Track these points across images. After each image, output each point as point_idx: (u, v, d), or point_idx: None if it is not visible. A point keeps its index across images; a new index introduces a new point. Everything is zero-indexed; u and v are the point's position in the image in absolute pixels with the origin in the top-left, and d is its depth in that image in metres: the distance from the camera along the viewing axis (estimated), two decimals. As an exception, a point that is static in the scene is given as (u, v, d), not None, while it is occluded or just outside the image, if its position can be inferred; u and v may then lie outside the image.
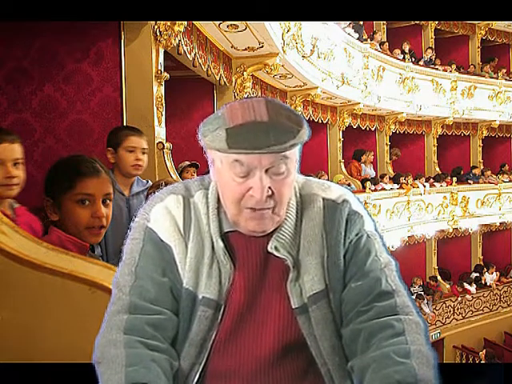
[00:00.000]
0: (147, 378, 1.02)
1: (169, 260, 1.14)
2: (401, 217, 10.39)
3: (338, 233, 1.14)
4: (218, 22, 4.88)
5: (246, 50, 5.81)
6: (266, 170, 1.05)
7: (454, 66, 11.93)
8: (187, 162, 4.46)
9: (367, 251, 1.15)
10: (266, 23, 5.04)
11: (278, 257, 1.13)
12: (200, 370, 1.14)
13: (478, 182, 12.06)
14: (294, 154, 1.09)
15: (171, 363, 1.10)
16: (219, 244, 1.12)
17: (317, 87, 7.99)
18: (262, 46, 5.69)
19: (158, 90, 3.88)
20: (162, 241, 1.14)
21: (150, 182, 3.01)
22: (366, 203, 8.96)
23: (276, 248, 1.12)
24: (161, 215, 1.15)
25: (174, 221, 1.15)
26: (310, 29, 6.98)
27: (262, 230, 1.10)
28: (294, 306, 1.12)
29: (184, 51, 4.50)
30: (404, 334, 1.06)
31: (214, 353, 1.14)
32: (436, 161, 12.33)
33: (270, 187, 1.06)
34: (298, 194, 1.18)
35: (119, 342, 1.06)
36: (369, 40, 10.32)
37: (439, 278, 12.08)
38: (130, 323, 1.08)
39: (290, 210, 1.15)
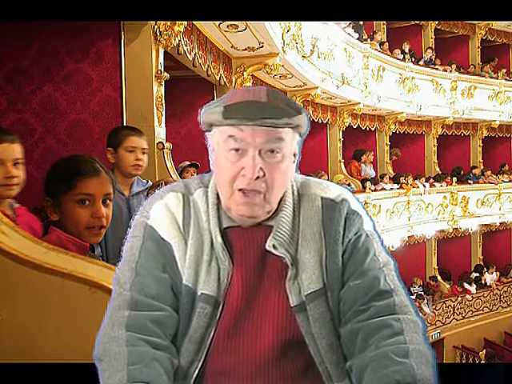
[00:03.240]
0: (149, 377, 1.02)
1: (169, 257, 1.14)
2: (401, 217, 10.39)
3: (336, 232, 1.15)
4: (217, 22, 4.88)
5: (246, 50, 5.81)
6: (260, 152, 1.07)
7: (454, 66, 11.93)
8: (187, 162, 4.46)
9: (366, 250, 1.15)
10: (266, 23, 5.05)
11: (276, 255, 1.13)
12: (199, 366, 1.15)
13: (478, 182, 12.06)
14: (290, 139, 1.11)
15: (172, 361, 1.10)
16: (218, 240, 1.13)
17: (317, 87, 7.99)
18: (262, 46, 5.69)
19: (158, 90, 3.88)
20: (162, 238, 1.15)
21: (149, 182, 3.01)
22: (366, 203, 8.96)
23: (274, 246, 1.13)
24: (161, 213, 1.16)
25: (174, 218, 1.15)
26: (310, 29, 6.98)
27: (251, 214, 1.11)
28: (292, 304, 1.13)
29: (184, 51, 4.51)
30: (402, 333, 1.07)
31: (213, 350, 1.14)
32: (436, 161, 12.34)
33: (262, 168, 1.07)
34: (296, 193, 1.19)
35: (121, 339, 1.06)
36: (369, 40, 10.32)
37: (439, 278, 12.08)
38: (132, 320, 1.08)
39: (288, 208, 1.15)
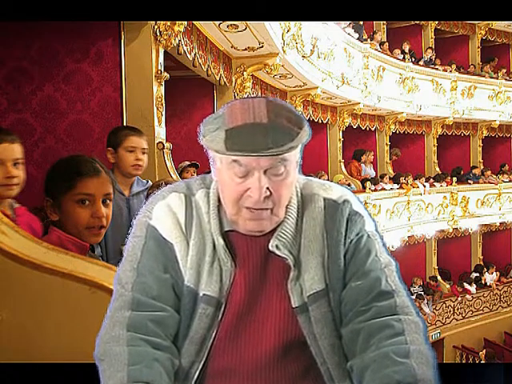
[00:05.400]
0: (150, 377, 1.02)
1: (170, 257, 1.14)
2: (401, 217, 10.39)
3: (338, 232, 1.15)
4: (217, 22, 4.88)
5: (246, 50, 5.81)
6: (265, 171, 1.06)
7: (454, 66, 11.93)
8: (187, 162, 4.47)
9: (367, 251, 1.15)
10: (266, 23, 5.05)
11: (278, 256, 1.13)
12: (200, 367, 1.14)
13: (478, 182, 12.06)
14: (294, 155, 1.09)
15: (173, 362, 1.10)
16: (220, 242, 1.13)
17: (317, 87, 7.99)
18: (262, 46, 5.69)
19: (158, 90, 3.88)
20: (163, 238, 1.14)
21: (149, 182, 3.01)
22: (366, 203, 8.96)
23: (277, 247, 1.13)
24: (163, 213, 1.16)
25: (176, 219, 1.15)
26: (310, 29, 6.98)
27: (259, 229, 1.11)
28: (294, 305, 1.13)
29: (184, 51, 4.51)
30: (403, 333, 1.06)
31: (215, 351, 1.14)
32: (436, 161, 12.34)
33: (268, 188, 1.06)
34: (299, 194, 1.18)
35: (122, 339, 1.06)
36: (369, 40, 10.32)
37: (439, 278, 12.08)
38: (133, 320, 1.08)
39: (291, 210, 1.15)
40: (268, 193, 1.07)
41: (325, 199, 1.17)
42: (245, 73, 6.10)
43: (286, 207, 1.14)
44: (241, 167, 1.06)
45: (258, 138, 1.02)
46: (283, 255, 1.12)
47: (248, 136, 1.03)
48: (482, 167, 12.76)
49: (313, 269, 1.13)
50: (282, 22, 5.81)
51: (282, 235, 1.13)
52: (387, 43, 11.05)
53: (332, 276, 1.13)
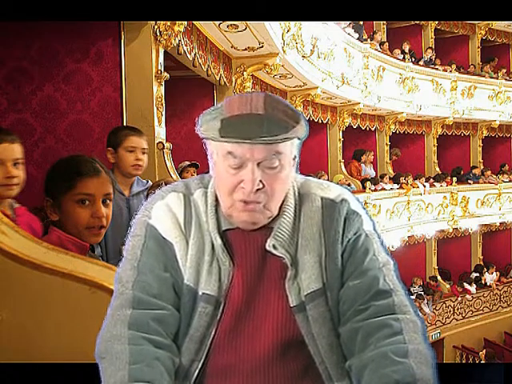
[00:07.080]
0: (151, 376, 1.02)
1: (170, 256, 1.14)
2: (401, 217, 10.39)
3: (336, 232, 1.15)
4: (218, 22, 4.88)
5: (246, 50, 5.82)
6: (258, 164, 1.07)
7: (454, 66, 11.94)
8: (187, 162, 4.47)
9: (365, 250, 1.15)
10: (266, 23, 5.05)
11: (276, 255, 1.13)
12: (199, 366, 1.15)
13: (478, 182, 12.07)
14: (289, 149, 1.10)
15: (173, 360, 1.10)
16: (218, 241, 1.13)
17: (317, 87, 8.00)
18: (262, 46, 5.69)
19: (158, 90, 3.88)
20: (163, 238, 1.15)
21: (149, 182, 3.01)
22: (366, 203, 8.97)
23: (274, 246, 1.13)
24: (162, 212, 1.16)
25: (175, 218, 1.16)
26: (310, 29, 6.98)
27: (252, 222, 1.11)
28: (291, 304, 1.13)
29: (184, 51, 4.51)
30: (402, 333, 1.06)
31: (214, 349, 1.15)
32: (436, 161, 12.34)
33: (261, 180, 1.07)
34: (296, 193, 1.19)
35: (123, 337, 1.06)
36: (369, 40, 10.32)
37: (439, 278, 12.08)
38: (134, 318, 1.08)
39: (289, 209, 1.16)
40: (261, 185, 1.07)
41: (322, 198, 1.18)
42: (245, 73, 6.11)
43: (283, 206, 1.15)
44: (235, 159, 1.07)
45: (253, 127, 1.04)
46: (280, 254, 1.13)
47: (242, 124, 1.05)
48: (482, 167, 12.77)
49: (310, 268, 1.13)
50: (282, 22, 5.81)
51: (279, 234, 1.13)
52: (387, 43, 11.06)
53: (329, 275, 1.14)
